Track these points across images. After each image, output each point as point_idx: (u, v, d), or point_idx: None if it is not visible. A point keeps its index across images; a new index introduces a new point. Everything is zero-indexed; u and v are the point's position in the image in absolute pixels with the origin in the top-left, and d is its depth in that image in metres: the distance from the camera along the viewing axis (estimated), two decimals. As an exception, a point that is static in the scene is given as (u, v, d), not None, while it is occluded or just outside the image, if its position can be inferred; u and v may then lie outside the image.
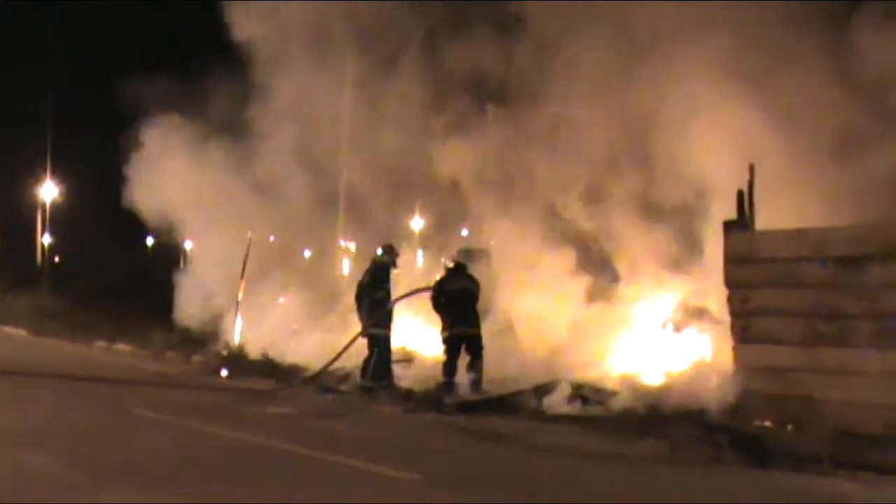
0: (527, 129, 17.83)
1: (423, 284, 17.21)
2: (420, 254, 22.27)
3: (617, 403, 13.86)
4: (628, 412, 13.36)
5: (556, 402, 14.31)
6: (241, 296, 20.90)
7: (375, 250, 17.41)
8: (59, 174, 45.93)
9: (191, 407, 14.83)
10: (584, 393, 14.36)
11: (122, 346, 24.48)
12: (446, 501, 9.09)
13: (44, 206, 49.03)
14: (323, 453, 11.06)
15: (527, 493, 9.46)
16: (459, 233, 21.65)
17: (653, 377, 14.94)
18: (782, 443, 11.18)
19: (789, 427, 11.75)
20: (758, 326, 12.35)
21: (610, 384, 14.54)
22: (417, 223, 24.84)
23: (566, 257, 17.02)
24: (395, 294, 16.98)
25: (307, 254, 23.42)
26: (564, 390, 14.42)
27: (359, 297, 16.77)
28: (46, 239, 49.92)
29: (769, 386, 12.09)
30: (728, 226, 12.88)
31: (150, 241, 24.12)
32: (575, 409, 13.99)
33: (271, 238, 23.52)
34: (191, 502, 8.61)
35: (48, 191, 47.12)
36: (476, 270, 16.67)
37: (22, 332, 29.63)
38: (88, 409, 14.59)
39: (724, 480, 10.32)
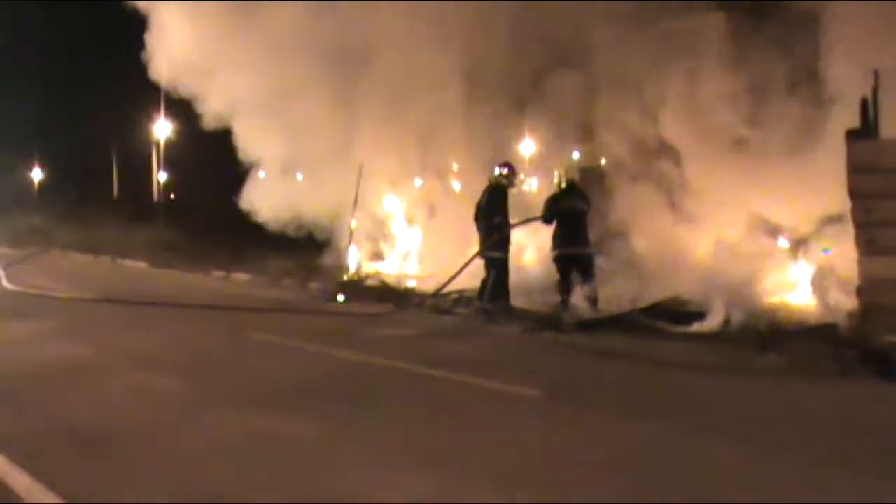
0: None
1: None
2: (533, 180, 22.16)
3: (736, 319, 13.64)
4: (749, 328, 13.14)
5: (675, 319, 14.16)
6: (354, 223, 21.03)
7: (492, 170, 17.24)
8: (173, 112, 46.60)
9: (309, 331, 15.01)
10: (700, 309, 14.18)
11: (238, 275, 24.94)
12: (569, 416, 9.06)
13: (158, 143, 49.92)
14: (444, 372, 11.10)
15: (648, 407, 9.37)
16: (570, 154, 21.42)
17: (773, 292, 14.68)
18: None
19: (918, 342, 11.46)
20: (883, 238, 12.00)
21: (727, 300, 14.29)
22: (528, 147, 24.55)
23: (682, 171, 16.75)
24: (511, 216, 16.84)
25: (418, 182, 23.35)
26: (683, 307, 14.26)
27: (477, 219, 16.72)
28: (162, 176, 50.90)
29: (896, 299, 11.78)
30: (851, 134, 12.50)
31: (261, 174, 24.21)
32: (695, 325, 13.82)
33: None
34: (318, 421, 8.70)
35: (162, 128, 47.89)
36: (589, 189, 16.53)
37: (142, 265, 30.46)
38: (208, 335, 14.90)
39: (851, 394, 10.10)
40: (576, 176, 16.30)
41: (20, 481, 6.65)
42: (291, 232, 23.11)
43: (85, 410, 9.21)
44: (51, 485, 6.51)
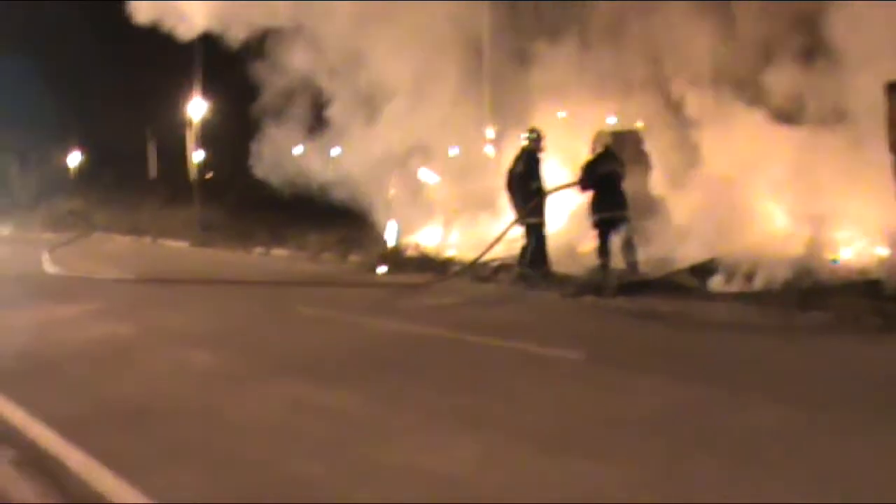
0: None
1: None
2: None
3: (779, 278, 13.55)
4: (792, 286, 13.01)
5: (716, 279, 14.10)
6: (392, 192, 21.03)
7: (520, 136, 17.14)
8: (209, 91, 46.62)
9: (351, 303, 15.12)
10: (744, 269, 14.10)
11: (279, 251, 25.06)
12: (611, 378, 9.08)
13: (192, 123, 49.96)
14: (486, 338, 11.15)
15: (690, 368, 9.36)
16: (605, 119, 21.27)
17: (818, 251, 14.55)
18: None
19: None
20: (923, 193, 11.90)
21: (770, 259, 14.19)
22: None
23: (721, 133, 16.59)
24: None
25: (452, 152, 23.25)
26: (724, 268, 14.19)
27: (510, 185, 16.68)
28: (198, 155, 50.99)
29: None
30: (892, 87, 12.35)
31: (300, 148, 24.21)
32: (736, 285, 13.75)
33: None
34: (362, 390, 8.76)
35: (197, 108, 47.91)
36: (625, 152, 16.48)
37: (183, 244, 30.67)
38: (252, 309, 15.02)
39: (895, 349, 10.06)
40: (608, 142, 16.20)
41: (74, 457, 6.75)
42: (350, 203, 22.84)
43: (131, 387, 9.33)
44: (103, 460, 6.60)
